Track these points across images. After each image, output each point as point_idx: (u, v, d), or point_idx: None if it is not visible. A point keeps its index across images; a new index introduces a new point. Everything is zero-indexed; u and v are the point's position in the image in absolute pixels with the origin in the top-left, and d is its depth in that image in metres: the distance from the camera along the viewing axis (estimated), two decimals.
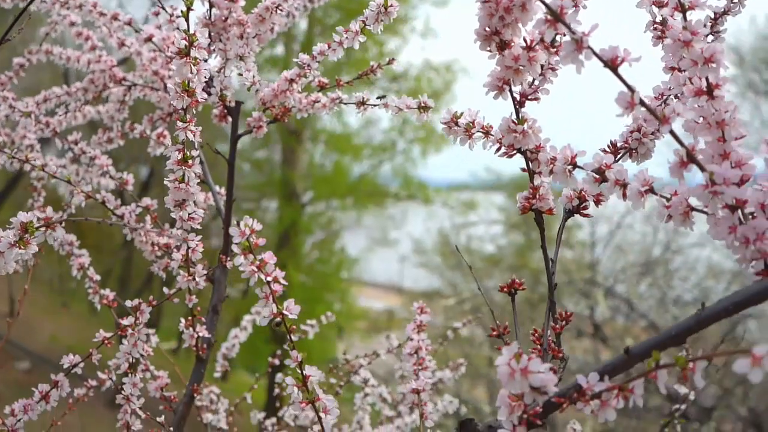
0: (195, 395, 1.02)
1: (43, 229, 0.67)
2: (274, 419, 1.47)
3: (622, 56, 0.52)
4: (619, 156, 0.72)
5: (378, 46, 11.36)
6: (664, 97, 0.73)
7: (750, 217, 0.54)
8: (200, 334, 1.00)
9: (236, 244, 0.63)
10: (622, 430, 6.45)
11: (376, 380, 1.43)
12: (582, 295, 6.10)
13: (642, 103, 0.52)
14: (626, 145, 0.72)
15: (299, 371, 0.67)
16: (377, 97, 0.96)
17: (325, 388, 1.43)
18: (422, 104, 0.87)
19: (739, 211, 0.55)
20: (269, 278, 0.64)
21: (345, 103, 0.98)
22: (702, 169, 0.53)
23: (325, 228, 12.00)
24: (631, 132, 0.71)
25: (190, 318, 0.99)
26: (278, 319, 0.65)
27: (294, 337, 0.68)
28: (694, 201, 0.57)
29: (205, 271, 0.93)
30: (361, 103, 0.96)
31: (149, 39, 1.00)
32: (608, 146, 0.72)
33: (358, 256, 11.81)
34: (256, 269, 0.64)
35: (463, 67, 10.19)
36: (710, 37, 0.75)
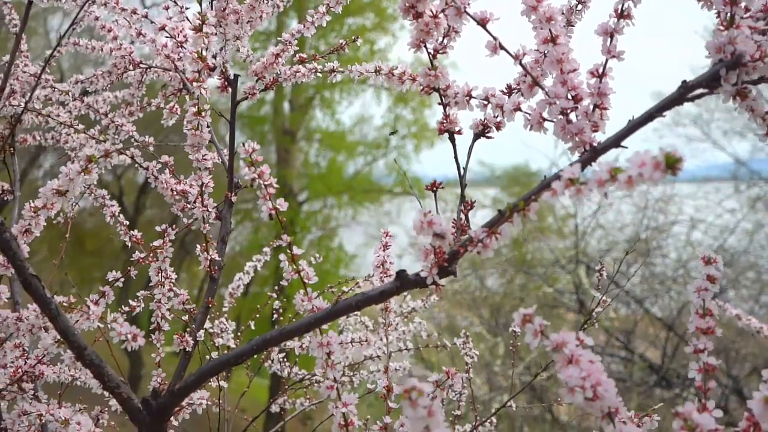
0: (210, 306, 1.29)
1: (103, 158, 0.94)
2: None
3: (488, 17, 0.80)
4: (513, 95, 0.99)
5: (369, 44, 11.68)
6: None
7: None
8: (212, 257, 1.27)
9: (242, 158, 0.91)
10: None
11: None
12: (567, 272, 6.40)
13: (501, 47, 0.80)
14: (517, 87, 0.99)
15: (289, 250, 0.95)
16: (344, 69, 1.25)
17: None
18: (377, 68, 1.15)
19: (574, 116, 0.83)
20: (266, 183, 0.92)
21: (320, 72, 1.27)
22: (542, 88, 0.81)
23: (322, 226, 12.28)
24: (520, 77, 0.99)
25: (204, 244, 1.27)
26: (273, 212, 0.93)
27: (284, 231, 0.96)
28: (546, 114, 0.85)
29: (215, 204, 1.21)
30: (332, 71, 1.25)
31: (162, 28, 1.27)
32: (505, 87, 1.00)
33: (355, 253, 12.08)
34: (256, 176, 0.91)
35: (452, 62, 10.50)
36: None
